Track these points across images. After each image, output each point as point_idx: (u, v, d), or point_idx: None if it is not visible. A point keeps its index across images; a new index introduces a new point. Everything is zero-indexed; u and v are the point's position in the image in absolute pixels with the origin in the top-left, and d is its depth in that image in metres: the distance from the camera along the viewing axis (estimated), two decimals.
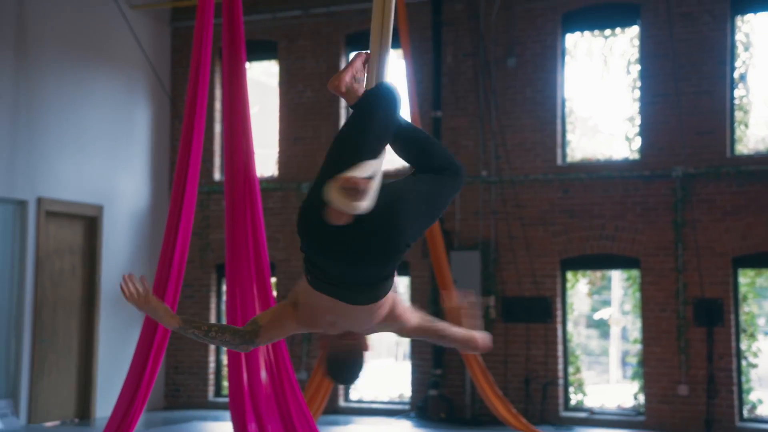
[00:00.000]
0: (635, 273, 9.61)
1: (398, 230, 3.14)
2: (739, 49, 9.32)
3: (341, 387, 10.43)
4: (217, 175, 11.10)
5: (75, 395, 9.68)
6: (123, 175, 10.39)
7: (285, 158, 10.91)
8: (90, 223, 9.90)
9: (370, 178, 3.11)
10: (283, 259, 10.72)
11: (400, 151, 3.46)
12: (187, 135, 5.93)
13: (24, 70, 9.06)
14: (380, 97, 3.30)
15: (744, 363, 9.05)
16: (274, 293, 7.45)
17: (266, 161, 11.58)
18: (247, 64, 6.67)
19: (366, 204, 3.07)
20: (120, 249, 10.26)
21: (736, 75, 9.29)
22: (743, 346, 9.07)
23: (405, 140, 3.40)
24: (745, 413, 8.98)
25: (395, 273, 3.33)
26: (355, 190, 3.01)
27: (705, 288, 9.02)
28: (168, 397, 11.04)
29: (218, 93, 10.91)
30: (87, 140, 9.81)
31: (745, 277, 9.22)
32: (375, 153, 3.20)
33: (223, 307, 10.78)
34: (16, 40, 9.03)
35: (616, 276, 18.44)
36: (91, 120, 9.88)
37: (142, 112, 10.80)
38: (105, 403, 9.42)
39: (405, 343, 13.27)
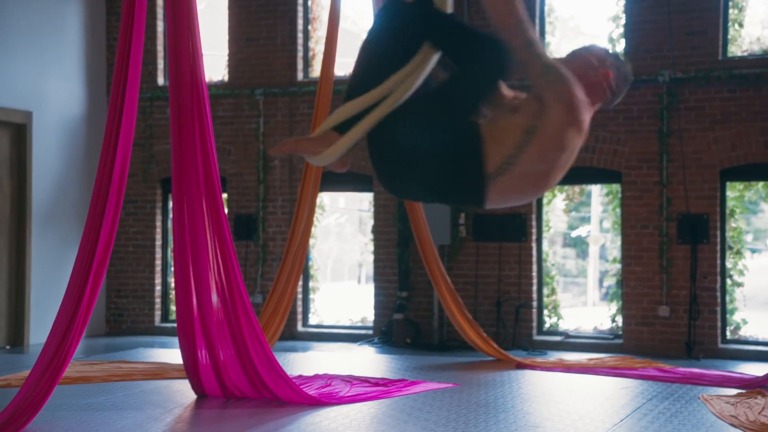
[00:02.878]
0: (616, 187, 9.72)
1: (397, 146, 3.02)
2: None
3: (298, 312, 10.54)
4: (160, 80, 10.90)
5: (6, 320, 9.67)
6: (54, 78, 10.17)
7: (236, 61, 10.73)
8: (17, 130, 9.72)
9: (313, 139, 3.11)
10: (234, 173, 10.66)
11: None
12: (126, 34, 5.78)
13: None
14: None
15: (729, 282, 9.29)
16: (226, 210, 7.43)
17: (215, 64, 11.39)
18: None
19: (328, 160, 3.08)
20: (52, 160, 10.11)
21: None
22: (729, 264, 9.30)
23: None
24: (728, 334, 9.27)
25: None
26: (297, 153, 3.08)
27: (690, 203, 9.17)
28: (110, 322, 11.09)
29: None
30: (12, 40, 9.55)
31: (732, 191, 9.38)
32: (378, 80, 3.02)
33: (170, 224, 10.76)
34: None
35: (596, 191, 18.61)
36: (15, 17, 9.59)
37: (73, 7, 10.50)
38: (39, 329, 9.43)
39: (368, 264, 13.37)
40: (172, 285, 10.54)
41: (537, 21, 9.78)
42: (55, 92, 10.19)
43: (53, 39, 10.17)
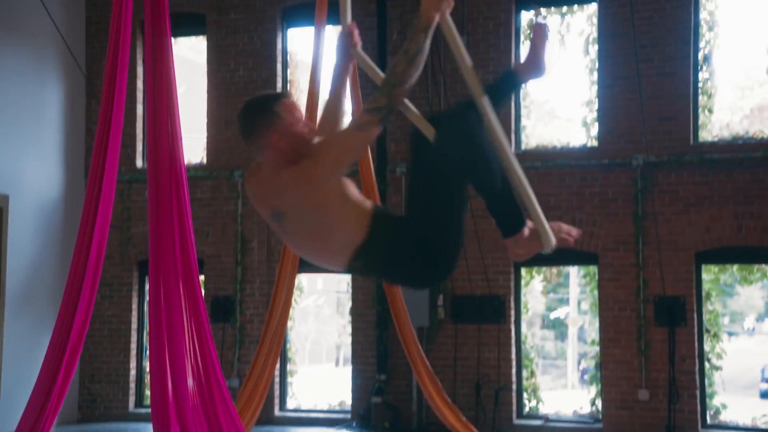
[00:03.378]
0: (593, 269, 9.77)
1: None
2: (704, 29, 9.51)
3: (276, 395, 10.39)
4: (139, 162, 10.94)
5: None
6: (31, 160, 10.17)
7: (214, 144, 10.80)
8: None
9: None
10: (212, 254, 10.63)
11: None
12: (105, 117, 5.83)
13: None
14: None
15: (707, 365, 9.27)
16: (203, 292, 7.38)
17: (194, 147, 11.46)
18: (173, 40, 6.57)
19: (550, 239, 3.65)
20: (28, 243, 10.04)
21: (700, 56, 9.49)
22: (707, 347, 9.30)
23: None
24: (708, 419, 9.21)
25: None
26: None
27: (667, 285, 9.22)
28: (83, 408, 10.87)
29: (140, 71, 10.74)
30: None
31: (708, 273, 9.45)
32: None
33: (146, 308, 10.65)
34: None
35: (574, 273, 18.66)
36: None
37: (53, 90, 10.58)
38: (10, 416, 9.19)
39: (346, 346, 13.25)
40: (147, 369, 10.38)
41: (512, 105, 9.95)
42: (33, 175, 10.18)
43: (32, 122, 10.21)
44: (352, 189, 3.38)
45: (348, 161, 3.29)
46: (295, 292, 9.98)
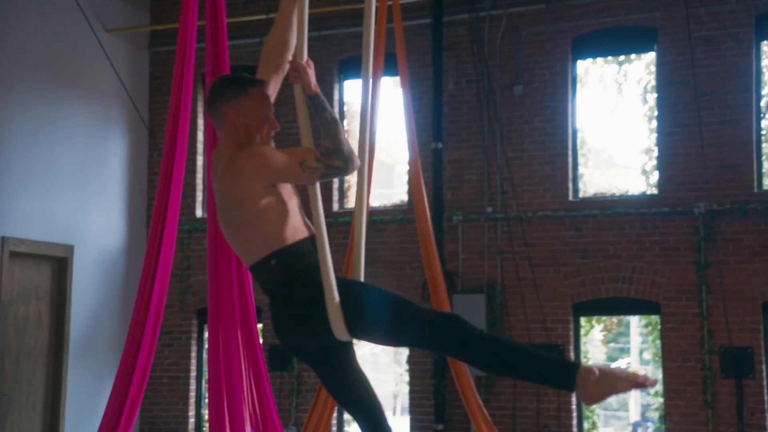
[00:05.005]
0: (655, 319, 9.58)
1: None
2: (765, 76, 9.40)
3: None
4: (199, 212, 11.10)
5: None
6: (95, 211, 10.39)
7: None
8: (59, 264, 9.86)
9: None
10: (269, 302, 10.66)
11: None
12: (167, 168, 5.93)
13: None
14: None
15: None
16: (261, 340, 7.39)
17: None
18: None
19: None
20: (91, 293, 10.21)
21: (762, 104, 9.36)
22: None
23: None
24: None
25: None
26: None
27: (732, 335, 8.99)
28: None
29: (200, 123, 10.96)
30: (56, 174, 9.81)
31: None
32: None
33: (205, 356, 10.72)
34: None
35: (635, 322, 18.37)
36: (61, 152, 9.89)
37: (117, 143, 10.83)
38: None
39: (404, 395, 13.15)
40: (206, 417, 10.41)
41: (570, 153, 9.89)
42: (96, 225, 10.38)
43: (96, 174, 10.44)
44: (282, 206, 3.38)
45: (273, 180, 3.33)
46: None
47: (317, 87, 3.45)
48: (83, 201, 10.20)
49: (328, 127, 3.37)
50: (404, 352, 11.21)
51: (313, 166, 3.31)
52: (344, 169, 3.34)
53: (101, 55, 10.30)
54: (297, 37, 3.46)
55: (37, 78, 9.65)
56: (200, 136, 11.01)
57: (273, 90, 3.67)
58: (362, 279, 3.76)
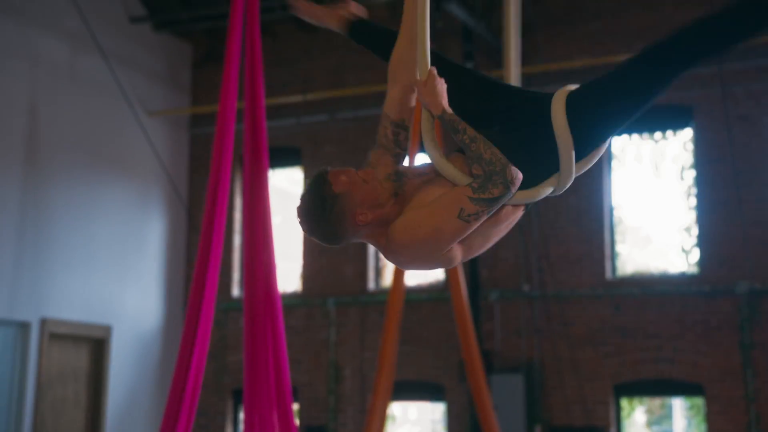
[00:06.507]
0: (699, 401, 9.35)
1: None
2: None
3: None
4: (235, 291, 11.13)
5: None
6: (133, 291, 10.46)
7: (309, 272, 10.94)
8: (96, 345, 9.90)
9: None
10: (306, 383, 10.60)
11: None
12: (205, 248, 5.97)
13: (32, 180, 9.28)
14: None
15: None
16: (297, 421, 7.32)
17: (289, 275, 11.61)
18: (270, 172, 6.77)
19: None
20: (128, 373, 10.21)
21: None
22: None
23: None
24: None
25: None
26: None
27: None
28: None
29: (238, 202, 11.08)
30: (96, 255, 9.93)
31: None
32: None
33: None
34: (26, 149, 9.29)
35: (678, 404, 17.92)
36: (101, 233, 10.02)
37: (156, 223, 10.96)
38: None
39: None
40: None
41: (607, 231, 9.83)
42: (134, 305, 10.44)
43: (135, 254, 10.55)
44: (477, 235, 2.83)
45: (443, 248, 2.73)
46: (388, 422, 9.83)
47: (442, 105, 2.83)
48: (122, 281, 10.29)
49: (468, 148, 2.71)
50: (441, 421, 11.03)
51: (474, 210, 2.66)
52: (506, 194, 2.66)
53: (142, 137, 10.51)
54: (418, 51, 2.91)
55: (80, 160, 9.85)
56: (237, 215, 11.11)
57: (407, 111, 3.14)
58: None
